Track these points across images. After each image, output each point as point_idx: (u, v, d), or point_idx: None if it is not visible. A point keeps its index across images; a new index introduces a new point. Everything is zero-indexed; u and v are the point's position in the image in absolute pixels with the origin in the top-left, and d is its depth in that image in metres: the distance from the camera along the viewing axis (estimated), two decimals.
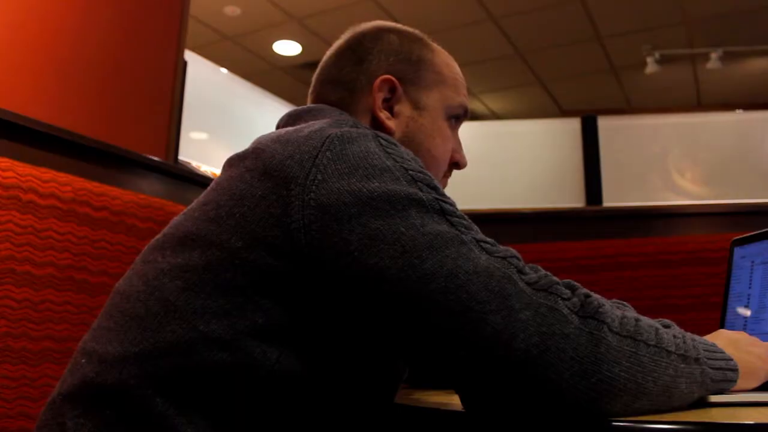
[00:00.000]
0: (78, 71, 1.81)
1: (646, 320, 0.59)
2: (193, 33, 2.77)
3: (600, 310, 0.55)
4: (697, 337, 0.63)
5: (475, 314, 0.54)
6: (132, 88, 1.96)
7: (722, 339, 0.68)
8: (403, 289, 0.56)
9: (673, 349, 0.57)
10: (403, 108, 0.84)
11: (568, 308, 0.55)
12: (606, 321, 0.55)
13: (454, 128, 0.89)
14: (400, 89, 0.83)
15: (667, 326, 0.62)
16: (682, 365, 0.57)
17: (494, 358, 0.54)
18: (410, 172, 0.63)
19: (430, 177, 0.64)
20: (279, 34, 4.90)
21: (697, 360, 0.58)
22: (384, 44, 0.86)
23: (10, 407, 1.05)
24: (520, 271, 0.57)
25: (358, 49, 0.86)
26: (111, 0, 1.92)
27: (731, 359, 0.63)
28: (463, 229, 0.60)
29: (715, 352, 0.62)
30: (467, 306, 0.55)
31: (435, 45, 0.90)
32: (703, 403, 0.60)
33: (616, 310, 0.57)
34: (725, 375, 0.61)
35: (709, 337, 0.68)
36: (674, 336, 0.58)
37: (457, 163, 0.89)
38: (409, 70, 0.85)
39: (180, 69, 2.13)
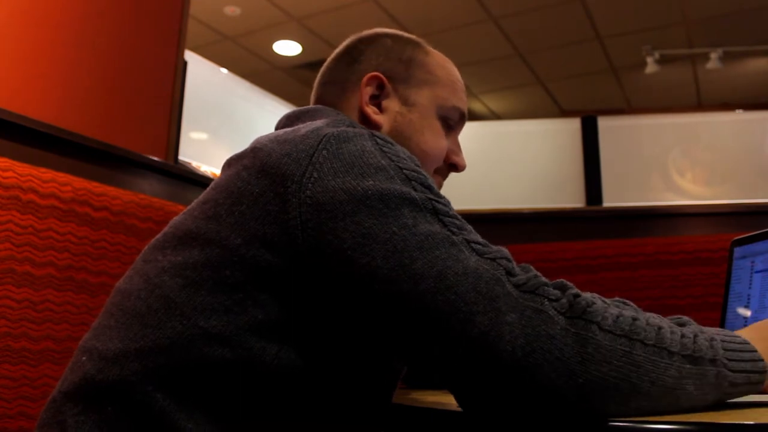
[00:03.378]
0: (78, 71, 1.81)
1: (652, 319, 0.57)
2: (193, 33, 2.77)
3: (588, 309, 0.54)
4: (727, 335, 0.60)
5: (463, 315, 0.54)
6: (132, 88, 1.96)
7: (754, 332, 0.64)
8: (394, 289, 0.57)
9: (676, 349, 0.55)
10: (391, 104, 0.85)
11: (555, 309, 0.54)
12: (595, 320, 0.54)
13: (452, 131, 0.89)
14: (388, 86, 0.85)
15: (682, 324, 0.60)
16: (688, 366, 0.55)
17: (482, 360, 0.54)
18: (405, 171, 0.63)
19: (425, 176, 0.65)
20: (279, 34, 4.90)
21: (713, 361, 0.56)
22: (377, 46, 0.88)
23: (10, 407, 1.05)
24: (509, 273, 0.57)
25: (353, 52, 0.89)
26: (111, 0, 1.92)
27: (760, 360, 0.59)
28: (454, 230, 0.60)
29: (742, 351, 0.58)
30: (455, 307, 0.55)
31: (432, 49, 0.91)
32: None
33: (612, 309, 0.56)
34: (748, 378, 0.58)
35: (749, 329, 0.64)
36: (683, 335, 0.56)
37: (455, 166, 0.90)
38: (399, 68, 0.86)
39: (180, 69, 2.13)
